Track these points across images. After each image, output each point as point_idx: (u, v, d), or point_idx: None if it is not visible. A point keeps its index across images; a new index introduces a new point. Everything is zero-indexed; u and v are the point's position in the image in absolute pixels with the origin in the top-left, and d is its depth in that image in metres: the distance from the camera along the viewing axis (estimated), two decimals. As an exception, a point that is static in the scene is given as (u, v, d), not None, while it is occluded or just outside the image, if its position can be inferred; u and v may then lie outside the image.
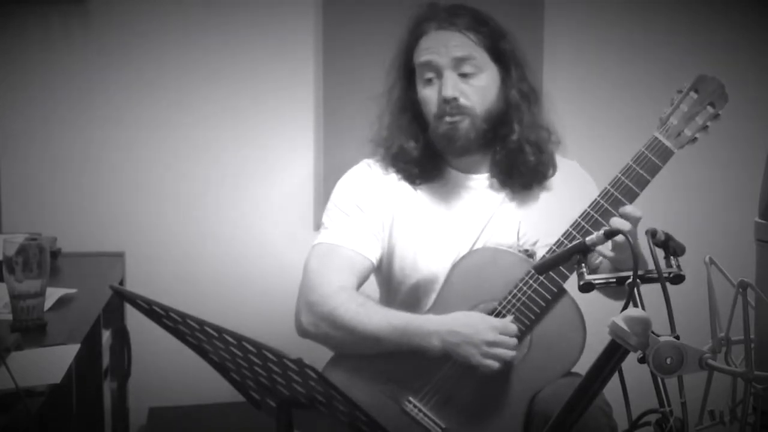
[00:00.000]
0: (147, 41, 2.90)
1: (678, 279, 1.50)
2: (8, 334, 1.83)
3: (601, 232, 1.49)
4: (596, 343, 1.48)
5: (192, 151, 2.95)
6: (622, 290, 1.51)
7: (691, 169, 2.93)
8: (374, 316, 2.05)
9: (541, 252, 2.09)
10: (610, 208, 2.01)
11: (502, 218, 2.17)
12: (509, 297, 2.04)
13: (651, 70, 3.10)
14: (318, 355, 2.02)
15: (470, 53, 2.12)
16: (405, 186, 2.21)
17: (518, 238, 2.13)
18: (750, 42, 3.15)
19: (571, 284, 1.88)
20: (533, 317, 2.03)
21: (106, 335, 2.58)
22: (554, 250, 2.02)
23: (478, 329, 1.99)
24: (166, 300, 1.45)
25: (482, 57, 2.13)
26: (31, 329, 1.93)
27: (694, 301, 1.75)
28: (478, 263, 2.11)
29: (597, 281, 1.52)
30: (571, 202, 2.15)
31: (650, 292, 1.50)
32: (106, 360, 2.58)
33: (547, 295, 2.03)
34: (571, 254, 1.51)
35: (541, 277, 2.02)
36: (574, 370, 2.06)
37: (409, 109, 2.20)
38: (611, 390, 1.47)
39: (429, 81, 2.15)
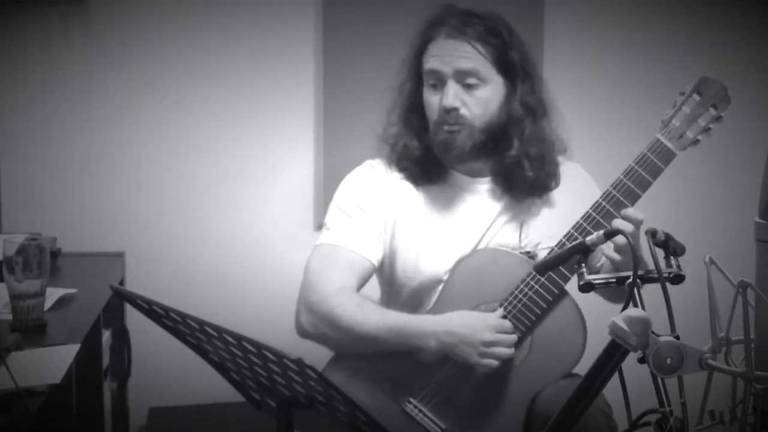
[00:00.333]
0: (147, 41, 2.90)
1: (678, 279, 1.50)
2: (8, 334, 1.83)
3: (602, 232, 1.49)
4: (596, 344, 1.48)
5: (192, 151, 2.95)
6: (621, 292, 1.51)
7: (691, 169, 2.93)
8: (371, 316, 2.05)
9: (542, 254, 2.08)
10: (611, 210, 2.01)
11: (504, 220, 2.16)
12: (510, 298, 2.04)
13: (651, 70, 3.10)
14: (318, 355, 2.02)
15: (475, 66, 2.09)
16: (408, 187, 2.21)
17: (520, 240, 2.13)
18: (750, 42, 3.16)
19: (572, 286, 1.88)
20: (534, 318, 2.03)
21: (106, 335, 2.58)
22: (555, 251, 2.02)
23: (475, 329, 1.99)
24: (166, 300, 1.45)
25: (488, 69, 2.11)
26: (31, 329, 1.93)
27: (694, 301, 1.75)
28: (479, 264, 2.11)
29: (597, 281, 1.52)
30: (574, 204, 2.14)
31: (650, 292, 1.50)
32: (106, 360, 2.58)
33: (548, 297, 2.03)
34: (571, 254, 1.51)
35: (542, 279, 2.02)
36: (574, 371, 2.06)
37: (416, 109, 2.19)
38: (611, 390, 1.47)
39: (434, 86, 2.14)
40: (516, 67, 2.13)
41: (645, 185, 2.01)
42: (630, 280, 1.44)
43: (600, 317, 1.60)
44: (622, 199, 2.01)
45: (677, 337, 1.35)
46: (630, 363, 1.37)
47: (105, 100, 2.90)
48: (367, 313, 2.06)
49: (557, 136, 2.19)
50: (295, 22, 2.95)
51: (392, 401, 2.06)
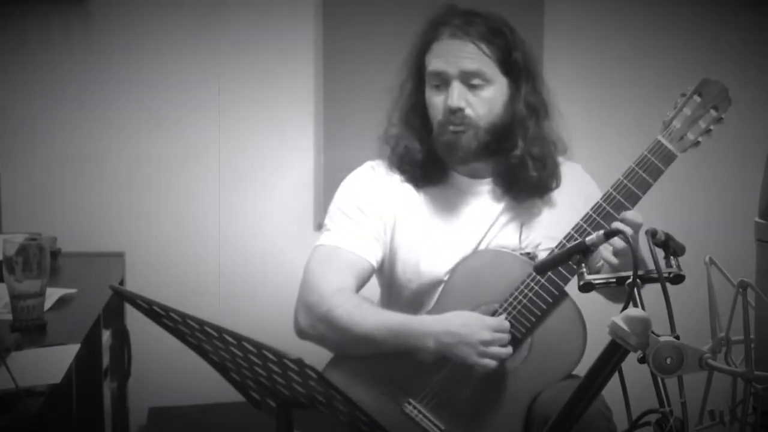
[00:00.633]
0: (147, 41, 2.90)
1: (678, 279, 1.50)
2: (8, 334, 1.83)
3: (601, 232, 1.49)
4: (596, 344, 1.48)
5: (192, 151, 2.95)
6: (623, 292, 1.50)
7: (691, 169, 2.93)
8: (370, 317, 2.05)
9: (542, 255, 2.08)
10: (612, 211, 2.01)
11: (504, 222, 2.16)
12: (510, 299, 2.04)
13: (652, 70, 3.10)
14: (318, 356, 2.02)
15: (480, 66, 2.09)
16: (408, 189, 2.21)
17: (520, 241, 2.13)
18: (750, 43, 3.16)
19: (572, 287, 1.88)
20: (534, 319, 2.03)
21: (106, 335, 2.58)
22: (555, 252, 2.02)
23: (473, 329, 1.99)
24: (166, 300, 1.45)
25: (492, 69, 2.11)
26: (31, 329, 1.93)
27: (694, 301, 1.75)
28: (479, 265, 2.11)
29: (597, 281, 1.52)
30: (574, 205, 2.14)
31: (650, 292, 1.50)
32: (106, 360, 2.58)
33: (548, 298, 2.03)
34: (571, 254, 1.51)
35: (542, 280, 2.02)
36: (574, 372, 2.06)
37: (418, 109, 2.19)
38: (611, 390, 1.47)
39: (437, 87, 2.13)
40: (519, 67, 2.13)
41: (645, 187, 2.01)
42: (630, 280, 1.44)
43: (600, 317, 1.60)
44: (622, 200, 2.01)
45: (677, 337, 1.34)
46: (630, 363, 1.37)
47: (105, 100, 2.90)
48: (366, 314, 2.06)
49: (558, 136, 2.19)
50: (295, 22, 2.96)
51: (392, 402, 2.05)
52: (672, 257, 1.52)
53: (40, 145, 2.88)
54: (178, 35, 2.92)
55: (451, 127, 2.11)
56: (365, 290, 2.19)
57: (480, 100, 2.10)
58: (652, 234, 1.51)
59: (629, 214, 1.97)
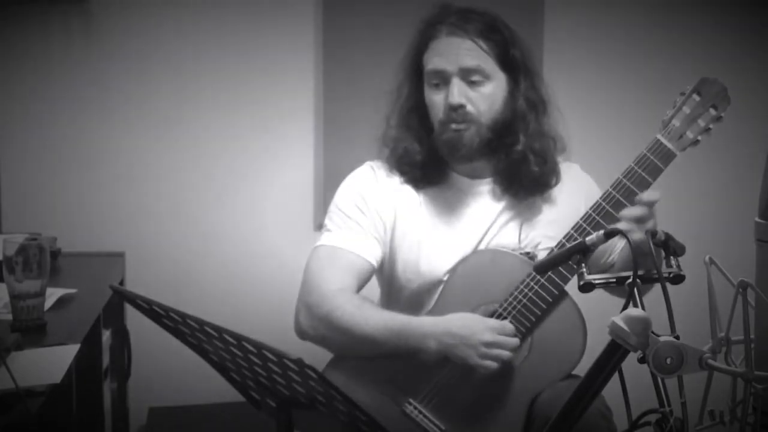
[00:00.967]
0: (147, 41, 2.90)
1: (678, 279, 1.50)
2: (8, 334, 1.83)
3: (601, 232, 1.49)
4: (596, 344, 1.48)
5: (192, 151, 2.95)
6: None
7: (691, 169, 2.93)
8: (371, 318, 2.05)
9: (542, 254, 2.08)
10: (611, 211, 2.01)
11: (503, 221, 2.16)
12: (510, 299, 2.04)
13: (651, 70, 3.10)
14: (318, 356, 2.02)
15: (479, 63, 2.10)
16: (408, 189, 2.21)
17: (520, 241, 2.13)
18: (750, 42, 3.16)
19: (572, 287, 1.88)
20: (534, 319, 2.03)
21: (106, 335, 2.58)
22: (555, 252, 2.02)
23: (474, 330, 1.99)
24: (166, 300, 1.45)
25: (491, 66, 2.11)
26: (31, 329, 1.93)
27: (694, 301, 1.75)
28: (478, 265, 2.11)
29: (597, 281, 1.52)
30: (573, 205, 2.15)
31: (650, 292, 1.50)
32: (106, 360, 2.58)
33: (548, 297, 2.03)
34: (571, 254, 1.51)
35: (542, 279, 2.02)
36: (575, 372, 2.06)
37: (416, 111, 2.19)
38: (611, 390, 1.47)
39: (436, 86, 2.13)
40: (518, 63, 2.14)
41: (645, 185, 2.01)
42: (630, 280, 1.44)
43: (600, 317, 1.60)
44: (622, 199, 2.01)
45: (677, 337, 1.34)
46: (630, 363, 1.37)
47: (105, 100, 2.90)
48: (367, 315, 2.05)
49: (557, 132, 2.19)
50: (295, 22, 2.95)
51: (392, 402, 2.05)
52: (672, 257, 1.51)
53: (40, 145, 2.88)
54: (178, 35, 2.92)
55: (453, 125, 2.11)
56: (365, 290, 2.19)
57: (480, 96, 2.10)
58: (652, 234, 1.51)
59: (644, 196, 1.98)
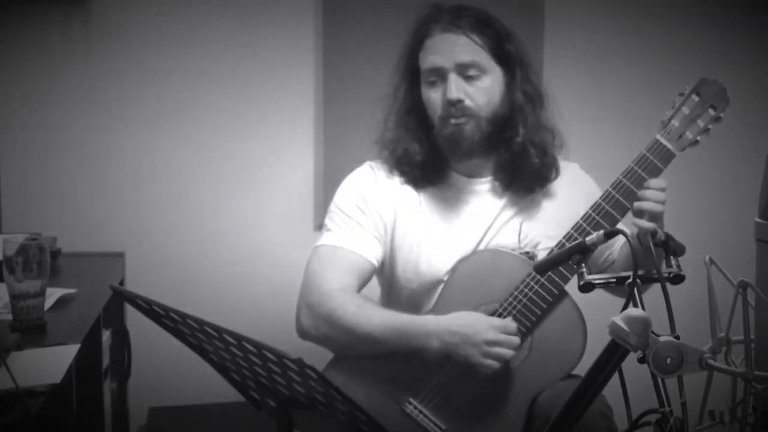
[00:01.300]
0: (147, 42, 2.90)
1: (678, 279, 1.50)
2: (8, 334, 1.82)
3: (601, 232, 1.49)
4: (596, 344, 1.48)
5: (192, 151, 2.95)
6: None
7: (691, 169, 2.93)
8: (373, 317, 2.05)
9: (542, 254, 2.08)
10: (611, 210, 2.01)
11: (503, 221, 2.17)
12: (510, 299, 2.04)
13: (652, 70, 3.10)
14: (318, 356, 2.02)
15: (474, 58, 2.11)
16: (408, 188, 2.21)
17: (519, 241, 2.13)
18: (750, 42, 3.16)
19: (572, 286, 1.88)
20: (534, 319, 2.03)
21: (106, 335, 2.58)
22: (555, 251, 2.02)
23: (477, 329, 1.99)
24: (166, 300, 1.45)
25: (486, 59, 2.12)
26: (31, 329, 1.93)
27: (694, 301, 1.75)
28: (479, 265, 2.11)
29: (597, 281, 1.52)
30: (573, 204, 2.15)
31: (650, 292, 1.50)
32: (106, 360, 2.58)
33: (548, 297, 2.03)
34: (571, 254, 1.51)
35: (542, 279, 2.02)
36: (575, 372, 2.06)
37: (414, 111, 2.20)
38: (611, 390, 1.47)
39: (433, 83, 2.14)
40: (513, 57, 2.15)
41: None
42: (630, 280, 1.44)
43: (600, 317, 1.60)
44: (621, 199, 2.01)
45: (677, 337, 1.35)
46: (630, 363, 1.37)
47: (105, 101, 2.90)
48: (369, 314, 2.06)
49: (554, 125, 2.20)
50: (295, 22, 2.95)
51: (392, 402, 2.06)
52: (672, 257, 1.52)
53: (40, 145, 2.88)
54: (178, 35, 2.91)
55: (453, 120, 2.11)
56: (365, 291, 2.19)
57: (477, 90, 2.11)
58: (652, 234, 1.51)
59: (653, 182, 1.98)
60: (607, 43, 3.11)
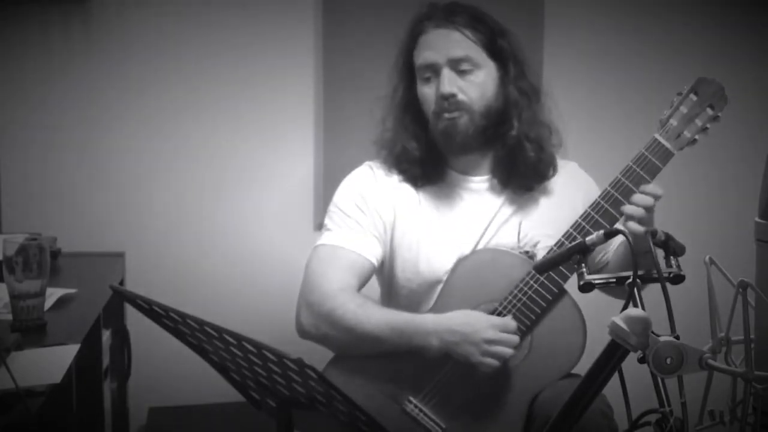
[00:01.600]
0: (147, 42, 2.90)
1: (678, 279, 1.50)
2: (8, 334, 1.82)
3: (601, 232, 1.49)
4: (596, 344, 1.48)
5: (192, 151, 2.95)
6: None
7: (691, 169, 2.93)
8: (373, 316, 2.05)
9: (542, 253, 2.09)
10: (610, 209, 2.02)
11: (502, 220, 2.17)
12: (509, 297, 2.04)
13: (651, 70, 3.10)
14: (318, 356, 2.02)
15: (467, 52, 2.12)
16: (407, 188, 2.22)
17: (519, 240, 2.14)
18: (749, 42, 3.16)
19: (572, 285, 1.88)
20: (534, 318, 2.03)
21: (106, 335, 2.58)
22: (555, 251, 2.02)
23: (477, 328, 1.99)
24: (166, 300, 1.45)
25: (479, 55, 2.14)
26: (31, 329, 1.93)
27: (694, 301, 1.75)
28: (478, 264, 2.11)
29: (597, 281, 1.52)
30: (572, 203, 2.16)
31: (650, 292, 1.50)
32: (106, 360, 2.58)
33: (547, 296, 2.03)
34: (571, 254, 1.51)
35: (542, 278, 2.02)
36: (576, 371, 2.06)
37: (411, 109, 2.21)
38: (611, 390, 1.47)
39: (428, 79, 2.16)
40: (506, 52, 2.17)
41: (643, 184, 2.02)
42: (630, 280, 1.44)
43: (600, 317, 1.60)
44: (620, 198, 2.02)
45: (677, 337, 1.34)
46: (630, 363, 1.37)
47: (105, 100, 2.90)
48: (369, 313, 2.06)
49: (551, 121, 2.20)
50: (295, 22, 2.95)
51: (392, 401, 2.06)
52: (672, 257, 1.51)
53: (40, 145, 2.88)
54: (178, 35, 2.91)
55: (446, 115, 2.13)
56: (365, 289, 2.19)
57: (470, 84, 2.12)
58: (652, 234, 1.51)
59: (649, 187, 1.98)
60: (607, 43, 3.11)
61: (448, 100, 2.11)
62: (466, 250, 2.14)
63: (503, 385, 2.05)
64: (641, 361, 1.33)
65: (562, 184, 2.22)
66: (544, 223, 2.16)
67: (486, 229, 2.16)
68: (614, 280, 1.55)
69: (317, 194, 2.98)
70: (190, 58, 2.92)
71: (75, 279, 2.39)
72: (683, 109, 2.03)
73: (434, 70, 2.14)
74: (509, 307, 2.03)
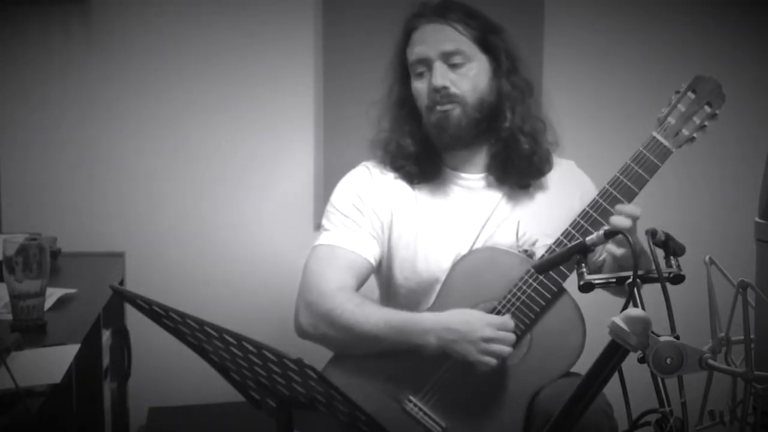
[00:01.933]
0: (147, 42, 2.90)
1: (678, 279, 1.50)
2: (8, 334, 1.82)
3: (601, 232, 1.49)
4: (596, 343, 1.47)
5: (192, 151, 2.95)
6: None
7: (691, 168, 2.93)
8: (371, 315, 2.06)
9: (540, 252, 2.09)
10: (609, 208, 2.02)
11: (500, 218, 2.17)
12: (508, 296, 2.04)
13: (651, 69, 3.10)
14: (318, 355, 2.02)
15: (459, 46, 2.14)
16: (403, 187, 2.22)
17: (517, 239, 2.14)
18: (749, 42, 3.15)
19: (571, 283, 1.88)
20: (533, 316, 2.03)
21: (106, 335, 2.58)
22: (554, 250, 2.02)
23: (474, 326, 2.00)
24: (166, 300, 1.45)
25: (471, 48, 2.15)
26: (31, 329, 1.93)
27: (694, 301, 1.74)
28: (477, 263, 2.11)
29: (597, 281, 1.52)
30: (570, 201, 2.16)
31: (650, 292, 1.50)
32: (106, 360, 2.58)
33: (546, 294, 2.03)
34: (570, 254, 1.51)
35: (541, 277, 2.02)
36: (576, 370, 2.06)
37: (406, 107, 2.22)
38: (611, 390, 1.47)
39: (421, 74, 2.17)
40: (498, 46, 2.17)
41: (641, 182, 2.02)
42: (630, 280, 1.44)
43: (600, 317, 1.60)
44: (619, 196, 2.02)
45: (677, 337, 1.34)
46: (630, 363, 1.37)
47: (105, 100, 2.90)
48: (367, 312, 2.06)
49: (546, 115, 2.21)
50: (295, 22, 2.95)
51: (392, 400, 2.06)
52: (672, 257, 1.51)
53: (40, 145, 2.88)
54: (178, 35, 2.91)
55: (438, 107, 2.14)
56: (364, 289, 2.19)
57: (462, 77, 2.14)
58: (652, 234, 1.51)
59: (626, 208, 1.99)
60: (607, 43, 3.11)
61: (440, 93, 2.13)
62: (464, 248, 2.14)
63: (502, 384, 2.05)
64: (641, 361, 1.33)
65: (560, 182, 2.23)
66: (542, 221, 2.16)
67: (483, 227, 2.16)
68: (614, 280, 1.55)
69: (317, 194, 2.98)
70: (190, 58, 2.92)
71: (75, 279, 2.39)
72: (681, 107, 2.03)
73: (427, 64, 2.15)
74: (508, 306, 2.04)
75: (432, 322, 2.03)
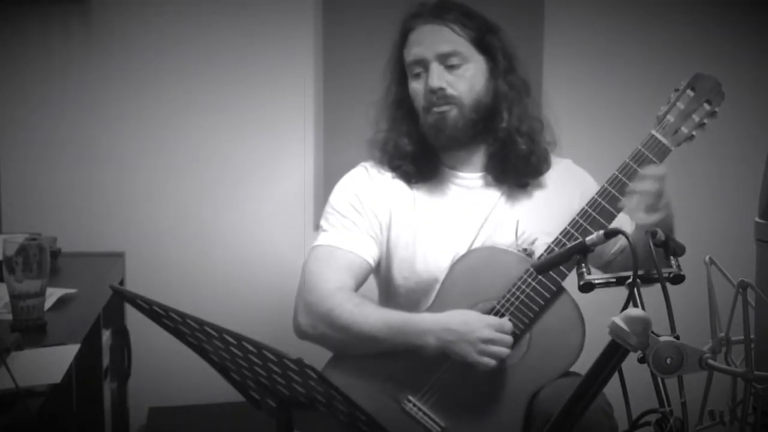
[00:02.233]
0: (147, 42, 2.90)
1: (678, 279, 1.50)
2: (8, 334, 1.82)
3: (602, 232, 1.49)
4: (596, 344, 1.48)
5: (192, 151, 2.95)
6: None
7: (691, 168, 2.93)
8: (370, 316, 2.06)
9: (539, 251, 2.09)
10: (608, 207, 2.02)
11: (499, 217, 2.17)
12: (508, 296, 2.04)
13: (651, 69, 3.10)
14: (318, 355, 2.02)
15: (455, 47, 2.14)
16: (402, 187, 2.22)
17: (517, 238, 2.14)
18: (749, 42, 3.15)
19: (571, 283, 1.88)
20: (532, 316, 2.03)
21: (106, 335, 2.58)
22: (553, 249, 2.02)
23: (473, 327, 2.00)
24: (166, 300, 1.45)
25: (468, 49, 2.15)
26: (31, 329, 1.93)
27: (694, 301, 1.74)
28: (476, 263, 2.11)
29: (597, 281, 1.52)
30: (569, 199, 2.16)
31: (650, 292, 1.50)
32: (106, 360, 2.58)
33: (545, 294, 2.03)
34: (570, 254, 1.51)
35: (540, 276, 2.02)
36: (576, 370, 2.06)
37: (403, 107, 2.23)
38: (611, 390, 1.47)
39: (418, 75, 2.18)
40: (495, 47, 2.17)
41: (641, 181, 2.02)
42: (630, 280, 1.44)
43: (600, 317, 1.59)
44: (617, 195, 2.02)
45: (677, 337, 1.34)
46: (630, 363, 1.37)
47: (105, 100, 2.90)
48: (366, 313, 2.06)
49: (544, 117, 2.21)
50: (295, 22, 2.95)
51: (392, 400, 2.06)
52: (672, 257, 1.52)
53: (40, 145, 2.88)
54: (178, 35, 2.91)
55: (435, 109, 2.14)
56: (364, 290, 2.19)
57: (459, 78, 2.14)
58: (652, 234, 1.51)
59: (649, 170, 1.97)
60: (607, 43, 3.11)
61: (436, 94, 2.13)
62: (463, 248, 2.14)
63: (502, 384, 2.05)
64: (641, 361, 1.33)
65: (559, 180, 2.23)
66: (542, 219, 2.16)
67: (482, 226, 2.16)
68: (614, 280, 1.55)
69: (317, 194, 2.98)
70: (190, 58, 2.92)
71: (75, 279, 2.39)
72: (680, 105, 2.03)
73: (423, 65, 2.15)
74: (507, 305, 2.04)
75: (431, 323, 2.03)
